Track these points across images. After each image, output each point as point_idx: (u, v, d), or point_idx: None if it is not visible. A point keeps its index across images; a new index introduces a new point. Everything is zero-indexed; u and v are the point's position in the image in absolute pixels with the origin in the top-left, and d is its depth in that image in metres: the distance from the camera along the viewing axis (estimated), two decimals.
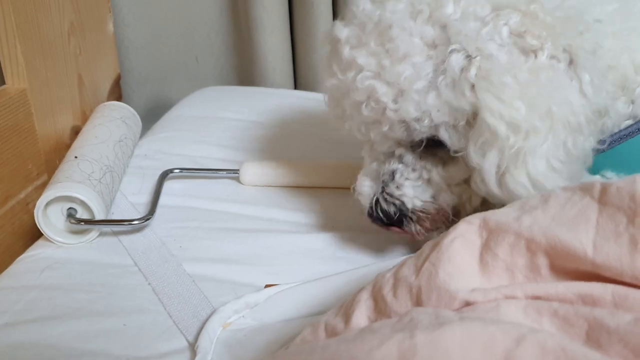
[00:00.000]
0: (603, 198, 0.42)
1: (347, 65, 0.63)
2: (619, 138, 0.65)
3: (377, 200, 0.69)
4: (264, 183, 0.89)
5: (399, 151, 0.68)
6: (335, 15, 1.33)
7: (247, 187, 0.89)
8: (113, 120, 0.97)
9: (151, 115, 1.29)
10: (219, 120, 1.11)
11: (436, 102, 0.61)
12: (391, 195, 0.68)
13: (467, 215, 0.49)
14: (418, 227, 0.69)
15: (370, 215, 0.69)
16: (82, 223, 0.75)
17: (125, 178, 0.90)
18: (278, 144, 1.03)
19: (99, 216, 0.75)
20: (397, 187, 0.68)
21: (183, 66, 1.42)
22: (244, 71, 1.43)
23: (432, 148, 0.66)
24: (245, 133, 1.06)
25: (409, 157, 0.68)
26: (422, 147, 0.66)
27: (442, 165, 0.67)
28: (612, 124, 0.64)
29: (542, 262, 0.42)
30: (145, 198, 0.85)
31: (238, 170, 0.89)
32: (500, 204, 0.56)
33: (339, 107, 0.68)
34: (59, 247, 0.75)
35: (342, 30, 0.64)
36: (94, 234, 0.76)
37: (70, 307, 0.65)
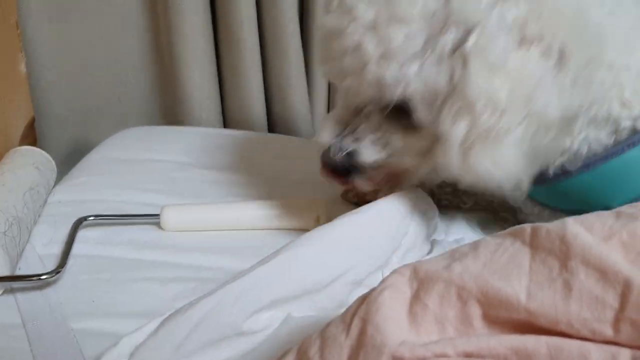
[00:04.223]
0: (534, 242, 0.40)
1: (347, 10, 0.64)
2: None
3: (332, 147, 0.71)
4: (186, 227, 0.84)
5: (368, 108, 0.69)
6: (262, 51, 1.31)
7: (169, 232, 0.84)
8: (24, 167, 0.91)
9: (71, 159, 1.21)
10: (141, 163, 1.05)
11: (417, 74, 0.62)
12: (347, 146, 0.70)
13: (414, 181, 0.60)
14: (366, 181, 0.73)
15: (322, 159, 0.72)
16: None
17: (36, 228, 0.84)
18: (204, 185, 0.98)
19: (2, 272, 0.69)
20: (356, 139, 0.70)
21: (105, 106, 1.36)
22: (170, 110, 1.38)
23: (398, 114, 0.67)
24: (169, 175, 1.01)
25: (375, 117, 0.69)
26: (388, 110, 0.67)
27: (403, 132, 0.69)
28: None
29: (474, 311, 0.40)
30: (56, 249, 0.78)
31: (158, 215, 0.84)
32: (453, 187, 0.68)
33: (325, 47, 0.68)
34: None
35: None
36: None
37: None
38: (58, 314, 0.67)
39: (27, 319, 0.66)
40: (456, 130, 0.61)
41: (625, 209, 0.41)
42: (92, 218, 0.84)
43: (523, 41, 0.60)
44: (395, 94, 0.64)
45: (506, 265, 0.40)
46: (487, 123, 0.60)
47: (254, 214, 0.86)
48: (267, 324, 0.61)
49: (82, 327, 0.65)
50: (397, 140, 0.70)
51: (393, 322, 0.39)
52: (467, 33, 0.60)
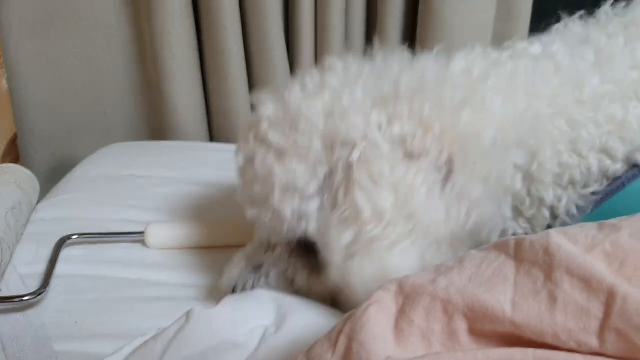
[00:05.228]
0: (518, 254, 0.40)
1: (260, 140, 0.62)
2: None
3: (237, 285, 0.67)
4: (171, 245, 0.83)
5: (274, 240, 0.66)
6: (248, 63, 1.30)
7: (154, 250, 0.83)
8: (5, 185, 0.89)
9: (55, 176, 1.20)
10: (125, 179, 1.04)
11: (317, 211, 0.60)
12: (250, 283, 0.67)
13: None
14: None
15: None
16: None
17: (18, 246, 0.82)
18: (189, 201, 0.98)
19: None
20: (262, 276, 0.67)
21: (90, 121, 1.35)
22: (156, 124, 1.37)
23: (305, 251, 0.64)
24: (154, 191, 1.00)
25: (280, 250, 0.67)
26: (293, 246, 0.65)
27: (308, 271, 0.66)
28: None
29: (460, 325, 0.39)
30: (39, 268, 0.77)
31: (143, 232, 0.83)
32: None
33: (241, 177, 0.66)
34: None
35: (267, 108, 0.63)
36: None
37: None
38: (40, 336, 0.66)
39: (8, 342, 0.65)
40: (341, 239, 0.58)
41: (609, 220, 0.41)
42: (75, 236, 0.83)
43: (408, 155, 0.58)
44: (298, 230, 0.62)
45: (491, 278, 0.39)
46: (371, 232, 0.57)
47: (240, 231, 0.85)
48: (248, 339, 0.60)
49: (66, 349, 0.64)
50: (302, 278, 0.67)
51: (379, 339, 0.39)
52: (353, 148, 0.59)
